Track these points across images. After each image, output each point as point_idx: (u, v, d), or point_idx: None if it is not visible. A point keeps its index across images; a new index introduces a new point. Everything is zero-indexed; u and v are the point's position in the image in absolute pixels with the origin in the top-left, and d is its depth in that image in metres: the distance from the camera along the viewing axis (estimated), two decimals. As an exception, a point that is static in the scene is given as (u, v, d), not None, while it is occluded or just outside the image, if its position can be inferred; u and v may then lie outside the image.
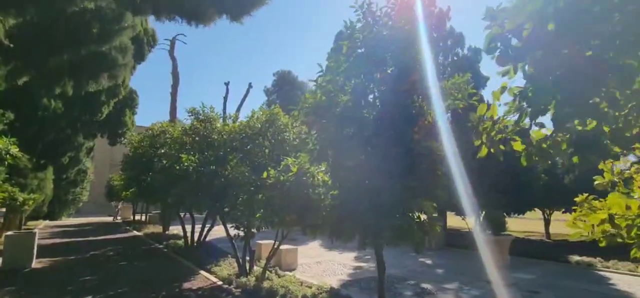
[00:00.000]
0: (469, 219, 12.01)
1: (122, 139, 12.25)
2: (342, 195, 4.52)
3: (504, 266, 7.58)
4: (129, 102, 12.27)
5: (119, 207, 26.10)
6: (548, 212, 17.92)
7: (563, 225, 16.06)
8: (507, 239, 7.64)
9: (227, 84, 31.71)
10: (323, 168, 5.27)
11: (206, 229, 11.97)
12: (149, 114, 65.88)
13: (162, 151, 8.80)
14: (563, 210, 16.11)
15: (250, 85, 31.60)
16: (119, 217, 26.14)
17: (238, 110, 27.90)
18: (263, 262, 9.12)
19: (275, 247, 7.37)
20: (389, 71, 4.59)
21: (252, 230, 6.09)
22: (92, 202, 32.83)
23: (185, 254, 10.73)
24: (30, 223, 21.28)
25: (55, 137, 11.90)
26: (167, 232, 16.15)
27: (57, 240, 13.99)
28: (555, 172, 15.15)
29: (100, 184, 31.94)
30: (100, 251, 11.52)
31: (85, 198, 25.97)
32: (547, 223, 18.20)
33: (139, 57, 11.50)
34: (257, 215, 5.33)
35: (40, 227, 19.60)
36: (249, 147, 7.10)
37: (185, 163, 6.40)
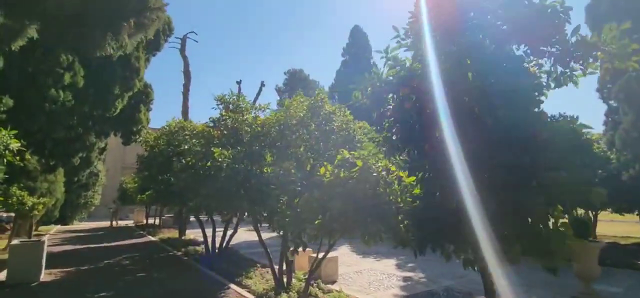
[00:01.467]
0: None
1: (137, 136, 11.30)
2: (441, 195, 3.37)
3: (593, 278, 6.34)
4: (144, 97, 11.33)
5: (116, 209, 23.75)
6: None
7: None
8: (596, 246, 6.40)
9: (239, 82, 30.83)
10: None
11: (228, 235, 10.94)
12: (160, 115, 65.48)
13: (185, 147, 7.76)
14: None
15: (262, 84, 30.62)
16: (117, 221, 23.79)
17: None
18: (300, 273, 8.04)
19: (320, 257, 6.25)
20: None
21: (303, 240, 4.96)
22: (104, 206, 32.15)
23: (208, 262, 9.68)
24: (42, 228, 20.56)
25: (65, 135, 10.97)
26: (183, 237, 15.16)
27: (69, 247, 13.09)
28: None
29: (113, 187, 31.26)
30: (114, 259, 10.55)
31: (97, 202, 25.32)
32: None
33: (155, 46, 10.53)
34: (317, 221, 4.21)
35: (52, 233, 18.84)
36: (288, 139, 6.00)
37: (219, 159, 5.32)
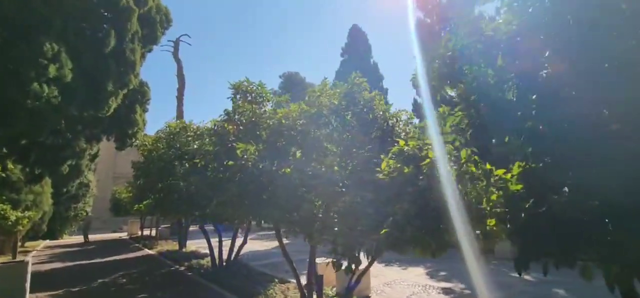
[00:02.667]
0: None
1: (133, 140, 10.22)
2: (576, 190, 2.45)
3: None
4: (139, 96, 10.26)
5: (88, 223, 20.48)
6: None
7: None
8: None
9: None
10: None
11: (236, 246, 9.91)
12: (152, 121, 63.75)
13: (194, 146, 6.76)
14: None
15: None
16: (87, 238, 20.25)
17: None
18: (327, 288, 7.06)
19: (361, 269, 5.28)
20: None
21: (356, 256, 3.95)
22: (96, 218, 30.72)
23: (217, 278, 8.62)
24: (29, 244, 19.18)
25: (52, 141, 9.85)
26: (184, 249, 14.03)
27: (58, 265, 11.88)
28: None
29: (104, 198, 29.88)
30: (110, 278, 9.42)
31: (88, 214, 23.92)
32: None
33: (152, 39, 9.49)
34: (383, 231, 3.24)
35: (39, 248, 17.52)
36: (317, 133, 5.03)
37: (244, 156, 4.31)
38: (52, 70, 5.89)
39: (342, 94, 5.12)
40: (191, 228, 16.54)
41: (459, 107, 3.44)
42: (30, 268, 7.34)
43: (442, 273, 8.76)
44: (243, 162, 4.38)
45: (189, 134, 8.84)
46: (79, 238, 22.13)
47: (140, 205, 10.33)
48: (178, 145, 8.80)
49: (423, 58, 5.20)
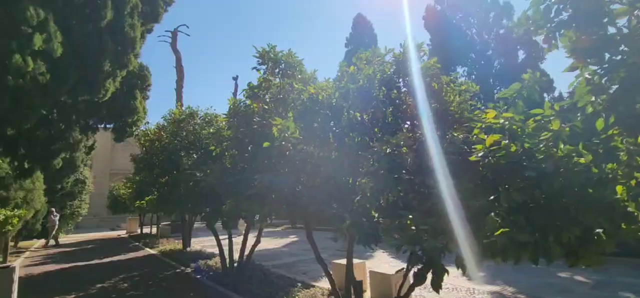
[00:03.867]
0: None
1: (133, 129, 9.22)
2: None
3: None
4: (140, 81, 9.24)
5: (54, 224, 16.57)
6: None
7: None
8: None
9: (235, 79, 29.01)
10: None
11: (249, 244, 8.99)
12: (149, 115, 62.27)
13: (210, 131, 5.81)
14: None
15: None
16: (53, 238, 17.14)
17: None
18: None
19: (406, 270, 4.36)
20: None
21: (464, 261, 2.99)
22: (93, 216, 29.73)
23: (229, 282, 7.69)
24: (23, 244, 18.18)
25: (44, 132, 8.87)
26: (188, 249, 13.08)
27: (52, 267, 10.92)
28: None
29: (101, 195, 28.87)
30: (109, 282, 8.47)
31: (84, 211, 22.94)
32: None
33: (153, 17, 8.48)
34: (499, 231, 2.30)
35: (33, 249, 16.52)
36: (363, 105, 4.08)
37: (283, 134, 3.33)
38: (37, 40, 4.90)
39: (392, 60, 4.16)
40: (196, 224, 15.60)
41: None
42: (17, 275, 6.39)
43: (481, 274, 7.88)
44: (279, 143, 3.41)
45: (196, 121, 7.86)
46: (74, 238, 21.10)
47: (142, 202, 9.35)
48: (184, 134, 7.83)
49: (433, 45, 4.34)
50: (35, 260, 12.75)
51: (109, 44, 6.82)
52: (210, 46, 76.76)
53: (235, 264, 9.12)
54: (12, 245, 15.36)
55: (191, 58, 64.35)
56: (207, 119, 7.84)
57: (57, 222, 16.26)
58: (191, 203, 7.22)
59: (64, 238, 20.97)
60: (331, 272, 5.76)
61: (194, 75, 63.90)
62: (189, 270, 9.53)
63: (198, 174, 5.19)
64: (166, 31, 26.51)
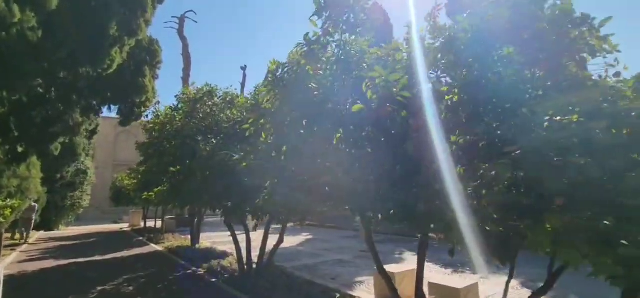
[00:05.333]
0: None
1: (142, 110, 8.14)
2: None
3: None
4: (149, 57, 8.11)
5: (28, 219, 13.67)
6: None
7: None
8: None
9: (244, 68, 27.98)
10: None
11: (269, 242, 7.92)
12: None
13: (242, 114, 4.74)
14: None
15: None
16: (27, 237, 14.40)
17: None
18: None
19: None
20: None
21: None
22: (95, 208, 28.81)
23: (252, 289, 6.64)
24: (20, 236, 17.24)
25: (41, 112, 7.83)
26: (197, 246, 12.03)
27: (50, 263, 9.89)
28: None
29: (103, 187, 27.91)
30: (112, 284, 7.42)
31: (86, 203, 21.99)
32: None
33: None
34: None
35: (32, 241, 15.54)
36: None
37: (388, 88, 2.24)
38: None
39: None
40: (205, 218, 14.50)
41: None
42: (2, 276, 5.34)
43: (520, 279, 6.82)
44: (379, 103, 2.30)
45: (215, 100, 6.77)
46: (75, 230, 20.13)
47: (150, 194, 8.27)
48: (201, 116, 6.74)
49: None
50: (32, 254, 11.74)
51: (114, 6, 5.73)
52: (218, 34, 75.53)
53: (254, 266, 8.07)
54: (8, 237, 14.38)
55: (198, 46, 63.02)
56: (227, 99, 6.74)
57: (34, 218, 13.93)
58: (209, 196, 6.13)
59: (64, 231, 20.03)
60: (380, 282, 4.68)
61: (201, 64, 62.61)
62: (201, 271, 8.47)
63: (235, 156, 4.12)
64: (173, 17, 25.40)
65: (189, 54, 24.61)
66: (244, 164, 4.05)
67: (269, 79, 3.70)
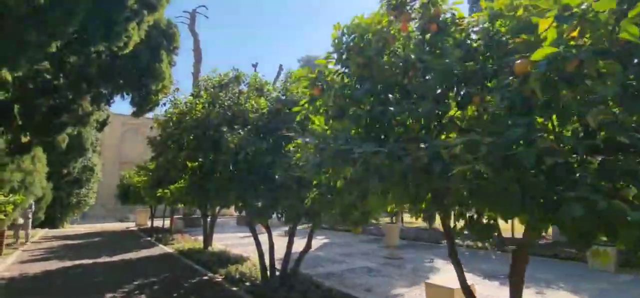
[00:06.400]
0: None
1: (159, 97, 7.37)
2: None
3: None
4: (166, 40, 7.35)
5: (29, 216, 12.32)
6: None
7: None
8: None
9: (255, 65, 27.36)
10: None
11: (297, 246, 7.13)
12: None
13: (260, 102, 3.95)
14: None
15: (281, 67, 27.30)
16: (26, 236, 13.01)
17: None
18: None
19: None
20: None
21: None
22: (101, 205, 28.25)
23: (280, 301, 5.82)
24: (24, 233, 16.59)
25: (47, 99, 7.14)
26: (210, 248, 11.26)
27: (52, 265, 9.16)
28: None
29: (109, 185, 27.31)
30: (122, 292, 6.64)
31: (92, 201, 21.36)
32: None
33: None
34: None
35: (35, 239, 14.87)
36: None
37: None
38: None
39: None
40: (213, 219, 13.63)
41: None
42: None
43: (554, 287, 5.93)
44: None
45: (242, 86, 6.00)
46: (81, 228, 19.45)
47: (165, 191, 7.49)
48: (227, 104, 5.97)
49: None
50: (35, 254, 11.03)
51: None
52: (229, 30, 75.04)
53: (277, 273, 7.28)
54: (10, 234, 13.72)
55: (208, 42, 62.47)
56: (256, 85, 5.96)
57: (30, 221, 12.67)
58: (237, 194, 5.35)
59: (69, 229, 19.38)
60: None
61: (211, 60, 62.07)
62: (219, 277, 7.68)
63: (293, 137, 3.32)
64: (184, 11, 24.77)
65: (200, 50, 23.98)
66: (298, 155, 3.25)
67: (336, 44, 2.91)
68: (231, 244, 13.11)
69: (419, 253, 11.17)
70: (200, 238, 13.97)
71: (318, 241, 14.81)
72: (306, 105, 3.18)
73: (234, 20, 76.21)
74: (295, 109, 3.38)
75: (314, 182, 3.59)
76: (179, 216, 20.19)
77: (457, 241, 13.86)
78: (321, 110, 3.15)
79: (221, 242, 13.29)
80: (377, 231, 15.93)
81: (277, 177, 5.36)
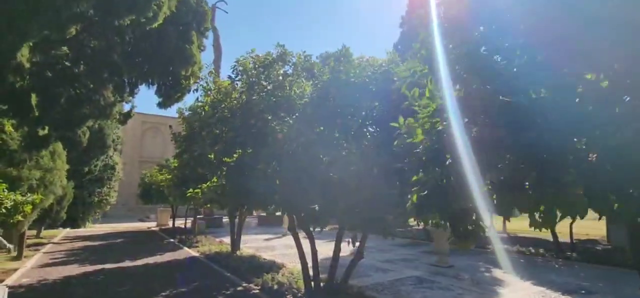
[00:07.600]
0: None
1: (190, 83, 6.49)
2: None
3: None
4: (196, 20, 6.48)
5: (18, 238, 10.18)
6: None
7: None
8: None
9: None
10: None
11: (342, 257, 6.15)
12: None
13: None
14: None
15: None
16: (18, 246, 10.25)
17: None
18: None
19: None
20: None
21: None
22: (122, 205, 28.02)
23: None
24: (47, 233, 16.25)
25: (67, 89, 6.42)
26: (238, 252, 10.41)
27: (73, 270, 8.48)
28: None
29: (130, 184, 27.05)
30: (150, 305, 5.81)
31: (113, 200, 20.91)
32: None
33: None
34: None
35: (57, 240, 14.45)
36: None
37: None
38: None
39: None
40: (225, 219, 12.76)
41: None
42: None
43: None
44: None
45: (288, 65, 5.06)
46: (102, 228, 19.05)
47: (196, 190, 6.63)
48: (270, 88, 5.03)
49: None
50: (56, 257, 10.45)
51: None
52: (249, 26, 74.71)
53: (322, 284, 6.34)
54: (31, 235, 13.26)
55: (229, 35, 62.05)
56: (306, 66, 5.01)
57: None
58: (286, 195, 4.40)
59: (90, 229, 19.01)
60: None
61: (231, 57, 61.89)
62: (255, 289, 6.78)
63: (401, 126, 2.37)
64: (204, 6, 24.14)
65: (220, 45, 23.34)
66: (416, 138, 2.28)
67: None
68: (258, 247, 12.26)
69: (469, 261, 10.00)
70: (225, 240, 13.20)
71: (346, 244, 13.83)
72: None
73: (250, 17, 75.88)
74: (402, 87, 2.40)
75: (414, 178, 2.64)
76: (200, 216, 19.56)
77: (506, 246, 12.58)
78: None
79: (246, 244, 12.46)
80: (410, 234, 14.73)
81: (331, 174, 4.41)
